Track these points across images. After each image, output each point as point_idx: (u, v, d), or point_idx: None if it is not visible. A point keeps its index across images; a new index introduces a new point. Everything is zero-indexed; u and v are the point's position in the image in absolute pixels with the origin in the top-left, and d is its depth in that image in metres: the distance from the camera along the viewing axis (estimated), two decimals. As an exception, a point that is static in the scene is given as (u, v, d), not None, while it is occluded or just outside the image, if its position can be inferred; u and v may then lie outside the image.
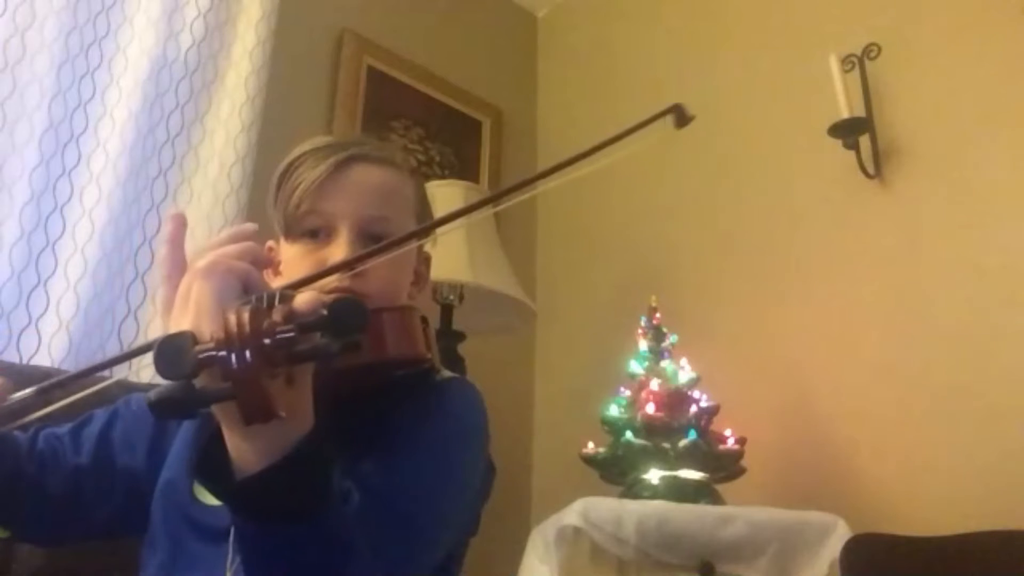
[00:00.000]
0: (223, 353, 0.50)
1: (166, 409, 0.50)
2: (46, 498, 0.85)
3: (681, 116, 0.85)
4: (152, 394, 0.50)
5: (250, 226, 0.70)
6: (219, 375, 0.51)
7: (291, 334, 0.51)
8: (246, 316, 0.50)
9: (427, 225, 0.91)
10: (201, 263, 0.62)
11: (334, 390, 0.64)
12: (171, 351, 0.51)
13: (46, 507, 0.85)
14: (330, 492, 0.61)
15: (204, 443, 0.60)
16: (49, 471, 0.86)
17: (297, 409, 0.58)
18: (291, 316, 0.53)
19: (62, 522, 0.88)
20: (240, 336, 0.50)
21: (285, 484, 0.58)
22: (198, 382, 0.51)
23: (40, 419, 0.65)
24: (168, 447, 0.91)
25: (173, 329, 0.60)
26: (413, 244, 0.90)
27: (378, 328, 0.79)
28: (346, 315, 0.52)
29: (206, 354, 0.50)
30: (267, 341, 0.50)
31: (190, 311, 0.60)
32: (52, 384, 0.63)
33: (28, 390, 0.65)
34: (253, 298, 0.56)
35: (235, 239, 0.66)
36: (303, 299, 0.56)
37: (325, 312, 0.52)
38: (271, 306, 0.54)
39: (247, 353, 0.49)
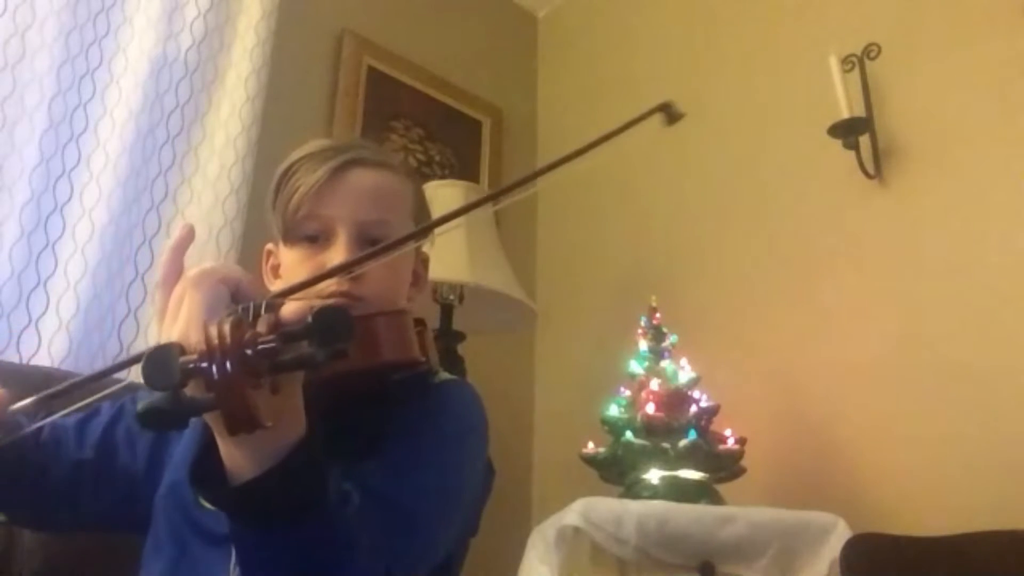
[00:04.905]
0: (204, 364, 0.50)
1: (153, 419, 0.50)
2: (46, 488, 0.87)
3: (671, 113, 0.83)
4: (140, 405, 0.50)
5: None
6: (203, 386, 0.51)
7: (272, 344, 0.51)
8: (227, 328, 0.51)
9: (424, 226, 0.91)
10: (193, 272, 0.62)
11: (330, 395, 0.64)
12: (158, 362, 0.51)
13: (45, 496, 0.87)
14: (326, 496, 0.61)
15: (198, 451, 0.61)
16: (52, 462, 0.87)
17: (285, 416, 0.58)
18: (276, 326, 0.54)
19: (57, 511, 0.89)
20: (221, 347, 0.50)
21: (279, 490, 0.58)
22: (187, 392, 0.51)
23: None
24: (169, 449, 0.92)
25: (163, 337, 0.61)
26: (411, 245, 0.90)
27: (370, 333, 0.79)
28: (331, 324, 0.52)
29: (190, 365, 0.51)
30: (248, 352, 0.51)
31: (180, 320, 0.60)
32: (51, 394, 0.63)
33: (28, 400, 0.66)
34: (239, 308, 0.57)
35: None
36: (290, 308, 0.57)
37: (310, 321, 0.52)
38: (257, 316, 0.55)
39: (227, 363, 0.50)
